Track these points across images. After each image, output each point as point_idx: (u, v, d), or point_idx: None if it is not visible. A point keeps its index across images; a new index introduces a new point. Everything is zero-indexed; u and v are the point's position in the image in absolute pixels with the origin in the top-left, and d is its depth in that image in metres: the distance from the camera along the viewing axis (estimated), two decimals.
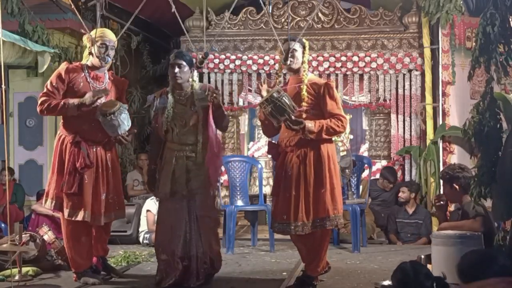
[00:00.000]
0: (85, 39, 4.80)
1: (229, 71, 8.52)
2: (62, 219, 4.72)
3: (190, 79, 4.68)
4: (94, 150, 4.65)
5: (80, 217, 4.56)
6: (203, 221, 4.57)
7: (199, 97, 4.60)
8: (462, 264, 2.79)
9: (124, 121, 4.58)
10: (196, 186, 4.54)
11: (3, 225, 6.56)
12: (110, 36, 4.73)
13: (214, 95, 4.48)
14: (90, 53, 4.71)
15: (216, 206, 4.78)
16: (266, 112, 4.31)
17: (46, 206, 4.72)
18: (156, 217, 4.97)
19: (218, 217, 4.85)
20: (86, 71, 4.69)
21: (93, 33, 4.69)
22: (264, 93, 4.40)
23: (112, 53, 4.72)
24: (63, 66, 4.72)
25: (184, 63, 4.57)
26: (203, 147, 4.55)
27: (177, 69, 4.56)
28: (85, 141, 4.59)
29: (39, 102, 4.61)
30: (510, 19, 3.69)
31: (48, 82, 4.65)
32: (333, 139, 4.61)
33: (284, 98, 4.23)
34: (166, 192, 4.57)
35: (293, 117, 4.27)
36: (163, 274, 4.53)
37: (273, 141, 4.80)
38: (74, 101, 4.53)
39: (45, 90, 4.64)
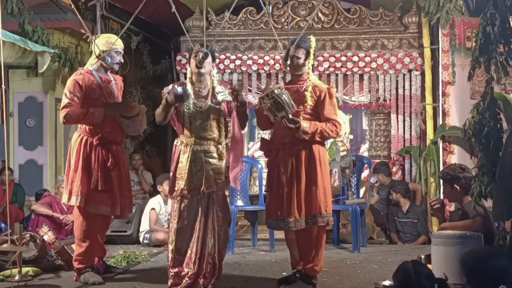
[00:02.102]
0: (99, 43, 4.83)
1: (229, 71, 8.53)
2: (79, 215, 4.78)
3: (211, 73, 4.55)
4: (114, 149, 4.87)
5: (113, 212, 4.83)
6: (219, 222, 4.41)
7: (220, 91, 4.51)
8: (465, 261, 2.78)
9: (144, 120, 4.91)
10: (214, 183, 4.41)
11: (3, 225, 6.56)
12: (121, 43, 4.96)
13: (235, 92, 4.36)
14: (100, 58, 4.80)
15: (228, 205, 4.67)
16: (265, 107, 4.34)
17: (71, 203, 4.80)
18: (170, 215, 4.70)
19: (230, 218, 4.70)
20: (98, 77, 4.84)
21: (103, 37, 4.95)
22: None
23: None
24: (78, 75, 4.80)
25: (208, 53, 4.48)
26: (223, 142, 4.50)
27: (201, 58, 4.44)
28: (108, 142, 4.81)
29: (63, 114, 4.72)
30: (510, 19, 3.69)
31: (67, 92, 4.73)
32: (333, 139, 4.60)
33: (284, 95, 4.28)
34: (184, 188, 4.39)
35: (290, 115, 4.31)
36: (176, 278, 4.36)
37: (266, 138, 4.80)
38: (100, 110, 4.73)
39: (66, 101, 4.71)
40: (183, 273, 4.36)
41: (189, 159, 4.40)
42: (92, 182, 4.72)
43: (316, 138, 4.42)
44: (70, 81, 4.79)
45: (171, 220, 4.51)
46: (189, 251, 4.37)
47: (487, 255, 2.75)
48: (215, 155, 4.45)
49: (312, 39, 4.60)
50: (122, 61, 4.98)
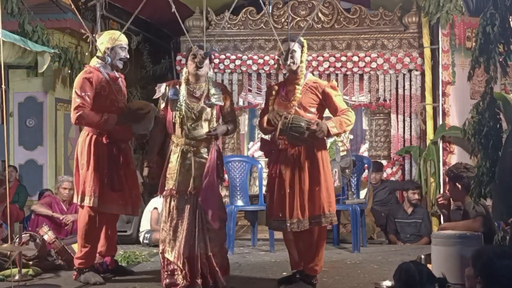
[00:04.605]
0: (103, 40, 4.80)
1: (229, 71, 8.53)
2: (85, 214, 4.72)
3: (207, 75, 4.59)
4: (123, 147, 4.86)
5: (125, 210, 4.87)
6: (211, 220, 4.40)
7: (214, 93, 4.52)
8: (478, 257, 2.76)
9: (153, 119, 4.77)
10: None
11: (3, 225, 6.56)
12: (125, 38, 4.92)
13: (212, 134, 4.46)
14: (101, 58, 4.75)
15: (223, 205, 4.64)
16: (291, 141, 4.36)
17: (84, 203, 4.68)
18: (161, 215, 4.79)
19: (225, 217, 4.66)
20: (106, 74, 4.77)
21: (107, 34, 4.87)
22: None
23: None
24: (88, 73, 4.69)
25: (208, 53, 4.49)
26: (213, 143, 4.51)
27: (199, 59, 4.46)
28: (118, 140, 4.79)
29: (76, 116, 4.58)
30: (510, 19, 3.70)
31: (78, 91, 4.60)
32: (334, 139, 4.58)
33: (293, 120, 4.28)
34: (172, 189, 4.44)
35: (314, 126, 4.29)
36: (172, 278, 4.39)
37: (266, 138, 4.78)
38: (114, 118, 4.65)
39: (79, 101, 4.58)
40: (176, 272, 4.38)
41: (178, 159, 4.46)
42: (104, 182, 4.68)
43: (344, 130, 4.46)
44: (79, 79, 4.67)
45: (162, 220, 4.55)
46: (178, 251, 4.37)
47: (503, 253, 2.72)
48: (205, 156, 4.48)
49: (304, 40, 4.60)
50: (128, 56, 4.89)
